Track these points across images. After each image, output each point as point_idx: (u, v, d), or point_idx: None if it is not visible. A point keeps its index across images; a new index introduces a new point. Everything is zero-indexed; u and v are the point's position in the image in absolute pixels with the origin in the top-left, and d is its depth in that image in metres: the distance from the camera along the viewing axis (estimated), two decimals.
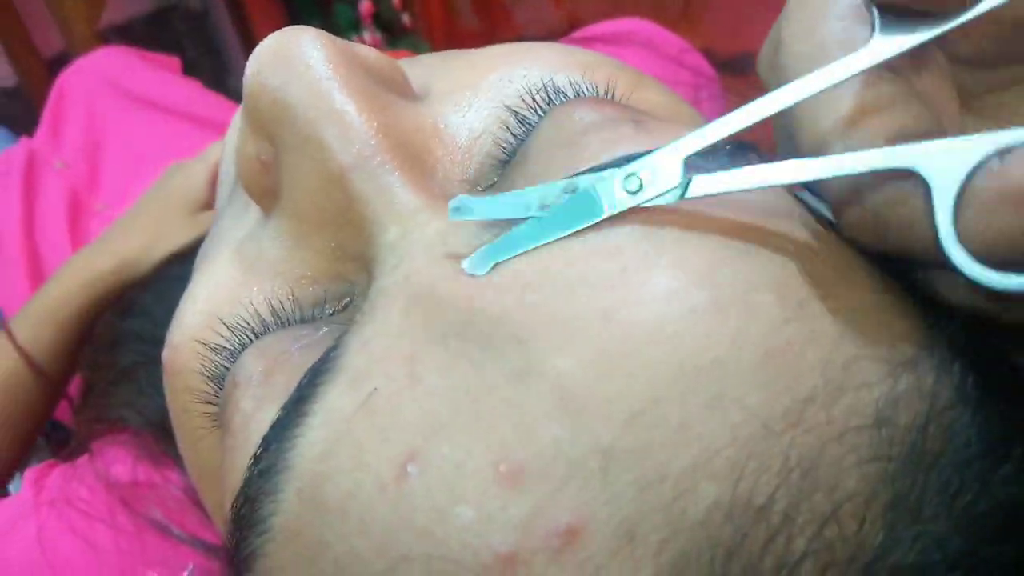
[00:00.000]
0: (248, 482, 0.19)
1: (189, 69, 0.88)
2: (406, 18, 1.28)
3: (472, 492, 0.16)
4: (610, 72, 0.24)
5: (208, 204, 0.59)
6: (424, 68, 0.25)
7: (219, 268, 0.23)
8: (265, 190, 0.23)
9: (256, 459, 0.19)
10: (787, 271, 0.18)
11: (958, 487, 0.16)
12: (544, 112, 0.22)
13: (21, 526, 0.38)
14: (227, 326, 0.22)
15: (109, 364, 0.44)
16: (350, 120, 0.20)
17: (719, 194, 0.18)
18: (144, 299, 0.46)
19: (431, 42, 1.26)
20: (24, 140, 0.82)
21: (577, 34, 0.67)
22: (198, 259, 0.25)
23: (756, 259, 0.18)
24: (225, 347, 0.22)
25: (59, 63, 0.93)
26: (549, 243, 0.18)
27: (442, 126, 0.22)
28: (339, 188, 0.20)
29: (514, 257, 0.18)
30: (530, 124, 0.22)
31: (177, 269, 0.46)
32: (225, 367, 0.22)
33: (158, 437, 0.38)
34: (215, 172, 0.60)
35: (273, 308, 0.22)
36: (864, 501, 0.16)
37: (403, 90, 0.23)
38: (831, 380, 0.16)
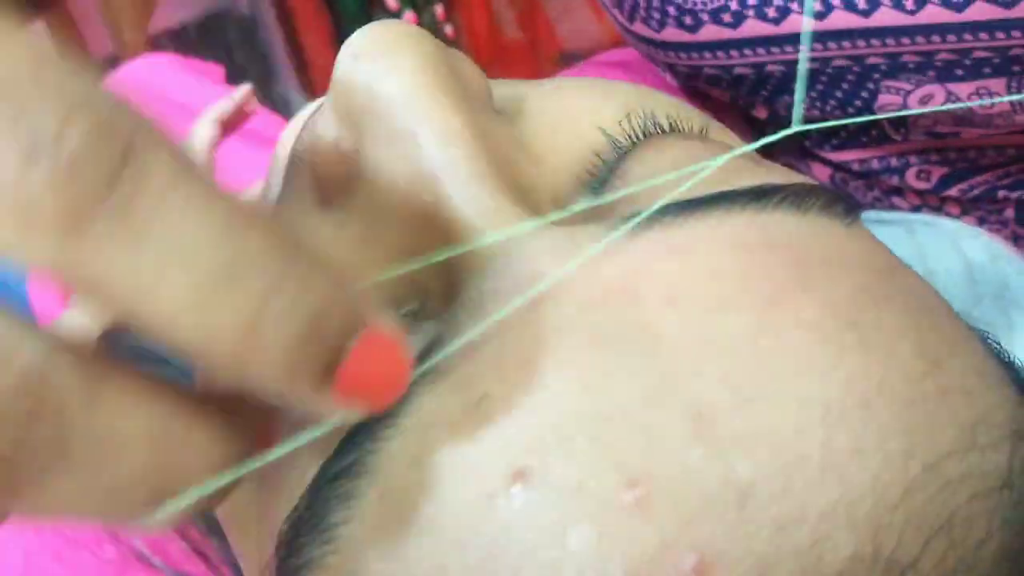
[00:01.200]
0: (317, 484, 0.18)
1: (237, 75, 0.88)
2: (449, 29, 1.28)
3: (592, 514, 0.15)
4: (693, 113, 0.23)
5: None
6: (508, 88, 0.24)
7: None
8: (336, 179, 0.21)
9: (331, 460, 0.18)
10: (922, 323, 0.18)
11: None
12: (639, 140, 0.22)
13: (9, 550, 0.38)
14: None
15: None
16: (448, 120, 0.19)
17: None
18: None
19: (474, 54, 1.26)
20: None
21: (605, 57, 0.66)
22: None
23: (896, 305, 0.18)
24: None
25: (109, 65, 0.94)
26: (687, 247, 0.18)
27: (530, 143, 0.22)
28: (429, 188, 0.19)
29: (651, 235, 0.18)
30: (622, 150, 0.21)
31: None
32: None
33: None
34: (206, 158, 0.59)
35: None
36: (994, 560, 0.16)
37: (490, 103, 0.22)
38: (963, 439, 0.16)
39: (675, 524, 0.15)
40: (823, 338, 0.16)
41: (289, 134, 0.26)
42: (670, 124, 0.22)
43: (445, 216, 0.19)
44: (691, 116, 0.23)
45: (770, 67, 0.50)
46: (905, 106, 0.49)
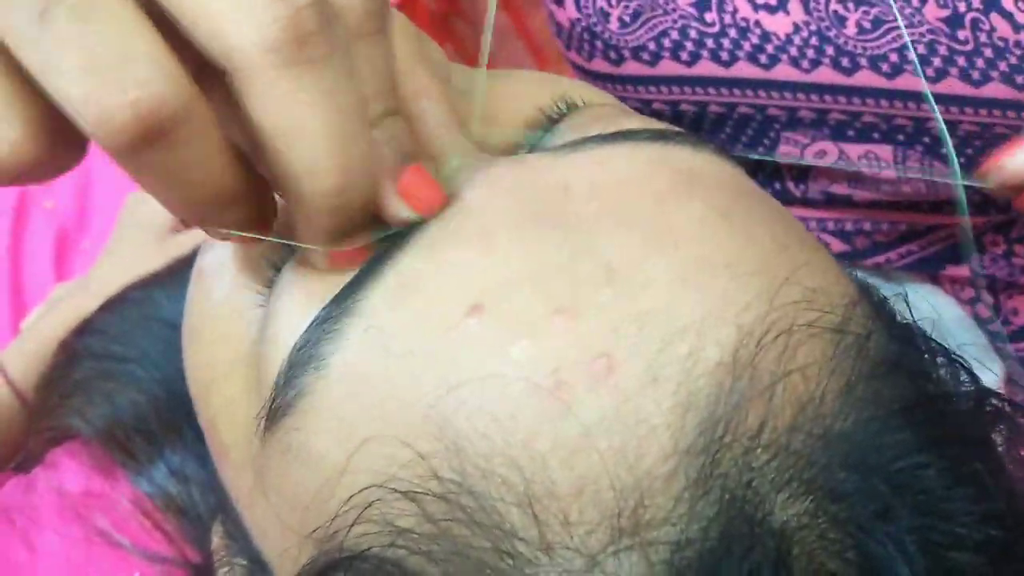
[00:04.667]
0: (312, 326, 0.23)
1: None
2: None
3: (530, 334, 0.20)
4: (606, 96, 0.31)
5: (174, 226, 0.60)
6: (466, 70, 0.30)
7: None
8: None
9: (327, 307, 0.23)
10: (778, 222, 0.24)
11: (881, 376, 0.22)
12: (564, 113, 0.28)
13: None
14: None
15: (62, 379, 0.45)
16: (424, 79, 0.26)
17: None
18: (100, 318, 0.48)
19: None
20: None
21: None
22: None
23: (761, 210, 0.24)
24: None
25: None
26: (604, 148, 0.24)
27: (489, 104, 0.28)
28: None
29: (577, 154, 0.24)
30: (553, 120, 0.28)
31: (135, 293, 0.48)
32: (286, 254, 0.25)
33: (106, 447, 0.39)
34: None
35: None
36: (820, 369, 0.21)
37: (449, 75, 0.28)
38: (806, 296, 0.22)
39: (590, 338, 0.20)
40: (701, 221, 0.22)
41: None
42: (584, 101, 0.29)
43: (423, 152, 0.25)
44: (603, 96, 0.30)
45: (684, 106, 0.55)
46: (802, 157, 0.55)
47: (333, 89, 0.20)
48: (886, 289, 0.25)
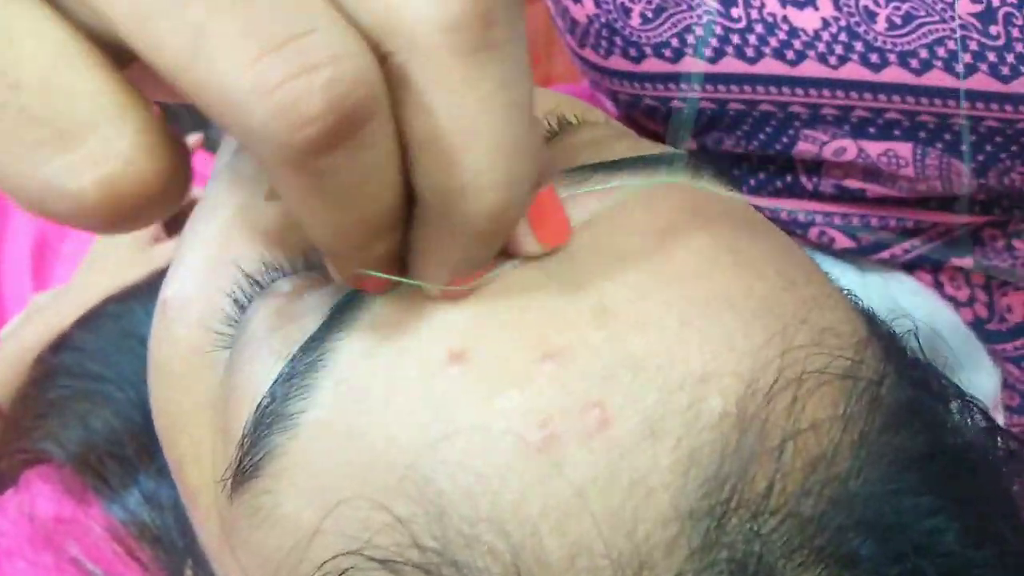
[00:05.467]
0: (278, 381, 0.20)
1: (171, 119, 0.89)
2: None
3: (516, 383, 0.19)
4: (597, 112, 0.29)
5: (156, 236, 0.59)
6: None
7: (234, 210, 0.25)
8: None
9: (292, 360, 0.21)
10: (785, 257, 0.22)
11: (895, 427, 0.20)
12: (557, 132, 0.26)
13: None
14: (247, 269, 0.24)
15: (38, 397, 0.44)
16: None
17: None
18: (77, 335, 0.46)
19: None
20: None
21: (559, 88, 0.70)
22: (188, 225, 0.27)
23: (767, 243, 0.22)
24: (255, 278, 0.23)
25: None
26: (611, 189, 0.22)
27: None
28: None
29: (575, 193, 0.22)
30: (546, 139, 0.26)
31: (114, 307, 0.46)
32: (253, 292, 0.23)
33: (79, 471, 0.38)
34: None
35: (302, 256, 0.24)
36: (832, 424, 0.19)
37: None
38: (814, 338, 0.20)
39: (583, 387, 0.19)
40: (706, 258, 0.21)
41: None
42: (577, 119, 0.27)
43: None
44: (594, 113, 0.28)
45: (703, 103, 0.54)
46: (820, 155, 0.54)
47: (512, 81, 0.16)
48: (887, 288, 0.25)
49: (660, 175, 0.22)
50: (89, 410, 0.40)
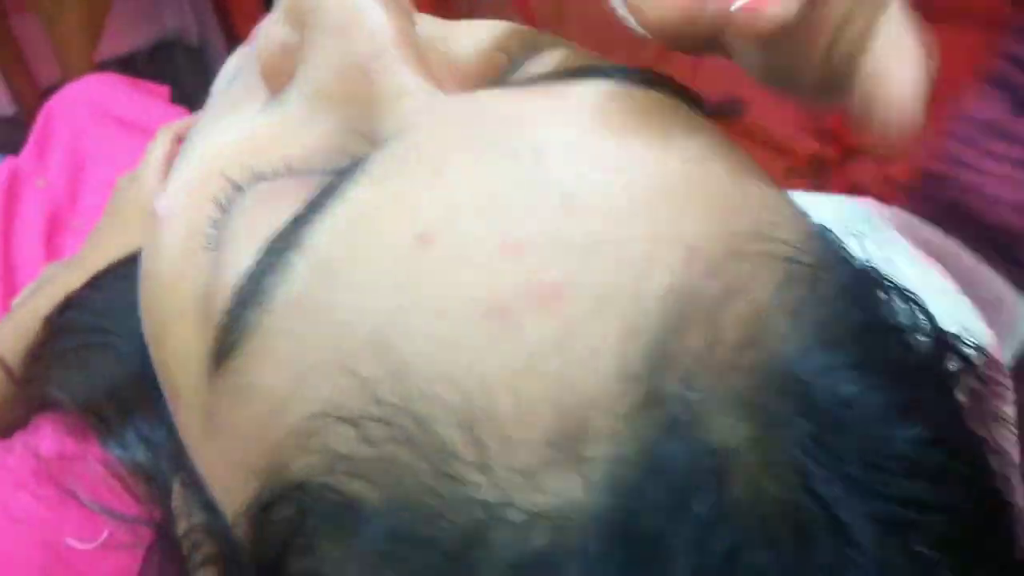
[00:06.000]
0: (258, 261, 0.22)
1: (187, 102, 0.90)
2: None
3: (478, 260, 0.20)
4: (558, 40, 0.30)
5: None
6: (423, 18, 0.30)
7: (225, 131, 0.27)
8: (280, 72, 0.27)
9: (272, 242, 0.22)
10: (735, 162, 0.23)
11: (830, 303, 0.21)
12: (528, 56, 0.28)
13: None
14: (232, 176, 0.25)
15: (46, 351, 0.46)
16: (378, 18, 0.25)
17: None
18: (86, 294, 0.48)
19: None
20: (9, 159, 0.84)
21: None
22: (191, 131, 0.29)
23: (718, 147, 0.23)
24: (240, 184, 0.25)
25: (56, 92, 0.94)
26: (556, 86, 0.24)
27: (446, 49, 0.28)
28: (359, 70, 0.25)
29: (533, 88, 0.24)
30: (516, 63, 0.28)
31: (123, 270, 0.48)
32: (236, 196, 0.25)
33: (82, 413, 0.41)
34: (164, 173, 0.62)
35: (288, 163, 0.25)
36: (769, 295, 0.20)
37: (412, 16, 0.28)
38: (758, 228, 0.21)
39: (538, 265, 0.20)
40: (657, 150, 0.22)
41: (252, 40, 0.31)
42: (548, 46, 0.28)
43: (375, 92, 0.24)
44: (573, 46, 0.29)
45: None
46: None
47: None
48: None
49: (621, 83, 0.24)
50: (93, 358, 0.42)
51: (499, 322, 0.19)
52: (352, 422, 0.20)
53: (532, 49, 0.28)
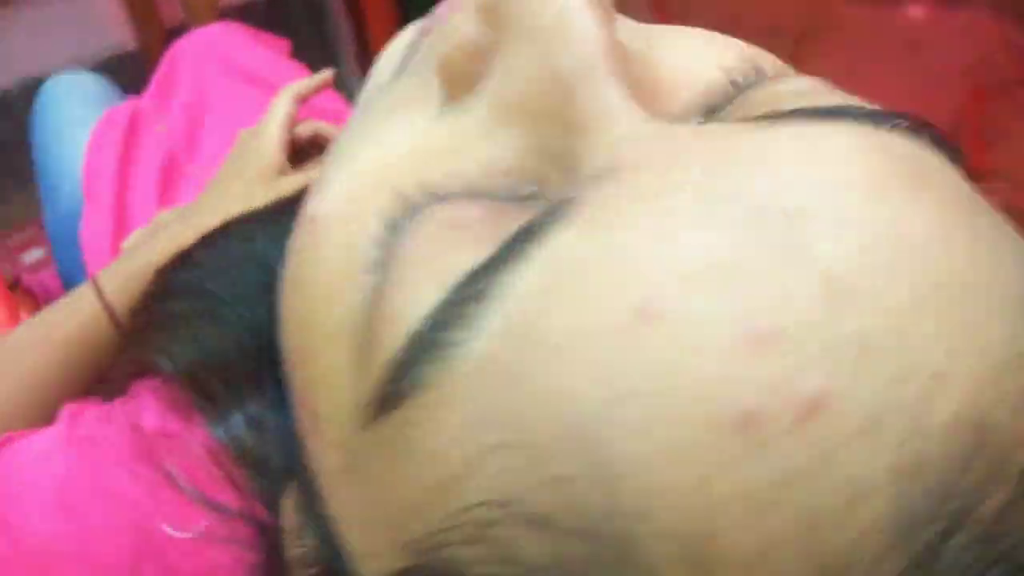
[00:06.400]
0: (439, 307, 0.19)
1: (300, 55, 0.90)
2: None
3: (716, 349, 0.16)
4: (788, 68, 0.26)
5: (283, 167, 0.60)
6: (626, 22, 0.26)
7: (392, 134, 0.24)
8: (464, 76, 0.23)
9: (461, 286, 0.19)
10: (1015, 238, 0.20)
11: None
12: (752, 82, 0.23)
13: (54, 458, 0.39)
14: (403, 192, 0.22)
15: (153, 310, 0.45)
16: (587, 27, 0.21)
17: None
18: (198, 252, 0.47)
19: None
20: (131, 99, 0.85)
21: None
22: (344, 138, 0.26)
23: (994, 219, 0.20)
24: (412, 201, 0.22)
25: (178, 33, 0.95)
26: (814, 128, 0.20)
27: (656, 64, 0.24)
28: (561, 85, 0.21)
29: (778, 129, 0.20)
30: (739, 87, 0.23)
31: (239, 229, 0.47)
32: (407, 216, 0.22)
33: (186, 387, 0.38)
34: (285, 133, 0.61)
35: (466, 181, 0.22)
36: None
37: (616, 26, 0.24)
38: None
39: (795, 364, 0.16)
40: (936, 228, 0.18)
41: (412, 27, 0.27)
42: (774, 72, 0.24)
43: (576, 113, 0.21)
44: (787, 68, 0.25)
45: None
46: None
47: None
48: None
49: (878, 130, 0.20)
50: (202, 328, 0.40)
51: (742, 436, 0.16)
52: (539, 524, 0.17)
53: (758, 73, 0.24)
